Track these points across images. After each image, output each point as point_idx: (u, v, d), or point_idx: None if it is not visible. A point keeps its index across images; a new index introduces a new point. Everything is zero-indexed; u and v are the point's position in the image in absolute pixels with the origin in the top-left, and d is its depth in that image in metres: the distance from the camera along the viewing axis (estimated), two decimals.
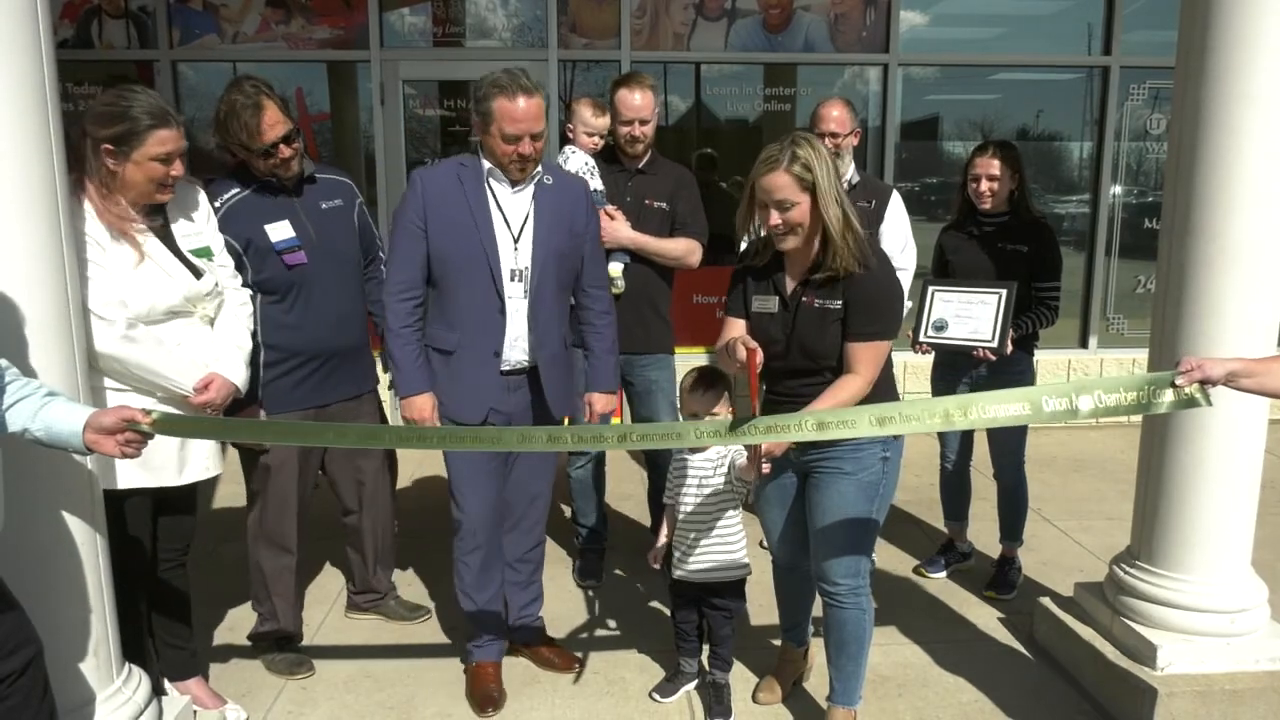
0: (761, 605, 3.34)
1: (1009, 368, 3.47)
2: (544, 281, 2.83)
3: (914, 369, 6.06)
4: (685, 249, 3.61)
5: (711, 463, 2.79)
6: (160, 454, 2.49)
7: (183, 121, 2.51)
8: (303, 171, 3.00)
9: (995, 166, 3.48)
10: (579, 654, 3.25)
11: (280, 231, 2.91)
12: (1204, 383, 1.92)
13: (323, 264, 2.97)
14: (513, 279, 2.80)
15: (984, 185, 3.49)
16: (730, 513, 2.81)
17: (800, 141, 2.37)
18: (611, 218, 3.46)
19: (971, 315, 3.39)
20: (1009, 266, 3.48)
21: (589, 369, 3.04)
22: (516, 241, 2.81)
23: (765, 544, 2.93)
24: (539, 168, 2.85)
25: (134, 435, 1.98)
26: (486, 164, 2.82)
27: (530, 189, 2.84)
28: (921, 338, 3.47)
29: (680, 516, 2.85)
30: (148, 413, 2.01)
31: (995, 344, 3.33)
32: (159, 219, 2.57)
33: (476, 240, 2.77)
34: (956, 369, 3.61)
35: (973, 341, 3.37)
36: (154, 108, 2.43)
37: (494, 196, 2.82)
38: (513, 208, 2.83)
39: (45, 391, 1.94)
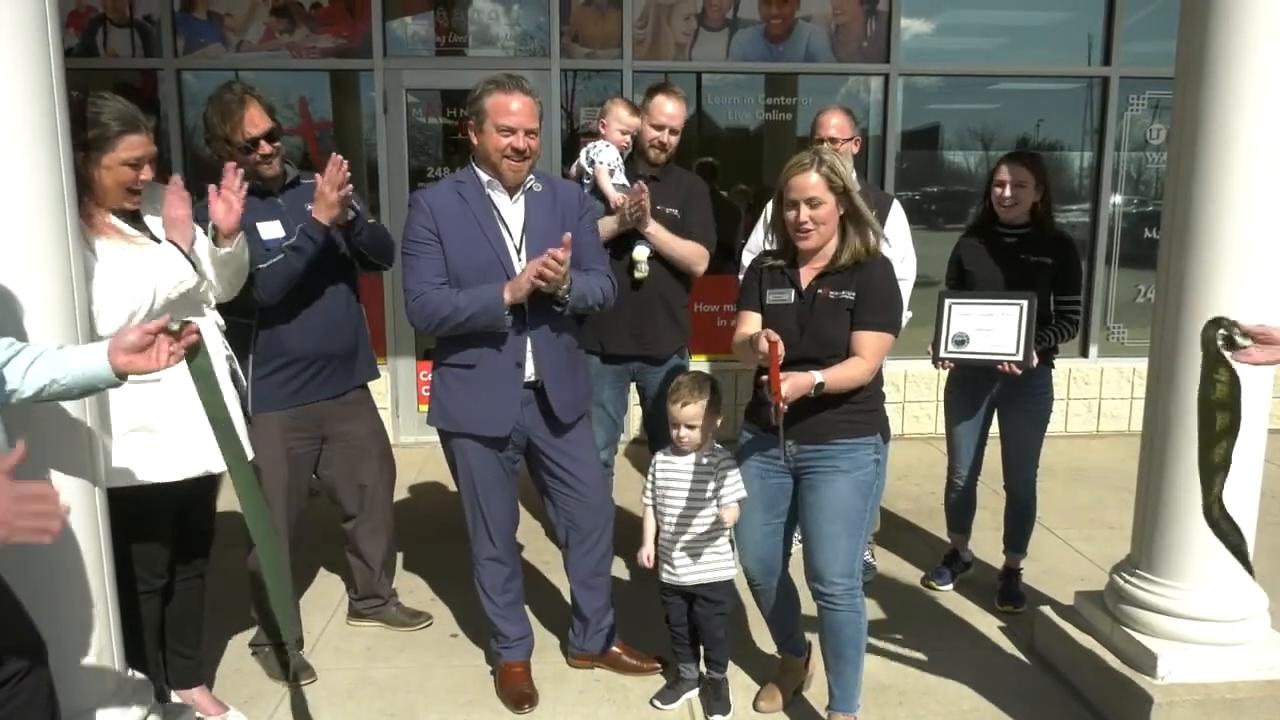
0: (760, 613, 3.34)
1: (1032, 381, 3.44)
2: None
3: (914, 377, 6.09)
4: (695, 252, 3.62)
5: (693, 467, 2.78)
6: (175, 447, 2.49)
7: (151, 128, 2.51)
8: (285, 174, 3.03)
9: (1022, 174, 3.46)
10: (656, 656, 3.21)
11: (271, 231, 2.94)
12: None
13: (309, 266, 2.96)
14: None
15: (1008, 191, 3.46)
16: (717, 520, 2.77)
17: (824, 150, 2.65)
18: (642, 189, 3.40)
19: (992, 328, 3.31)
20: (1031, 278, 3.44)
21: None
22: (519, 251, 2.82)
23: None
24: (531, 176, 2.86)
25: (167, 340, 1.95)
26: (484, 176, 2.83)
27: (523, 198, 2.86)
28: (942, 353, 3.39)
29: (664, 523, 2.85)
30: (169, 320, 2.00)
31: (1020, 357, 3.25)
32: (133, 220, 2.55)
33: (488, 249, 2.78)
34: (977, 384, 3.59)
35: (997, 356, 3.29)
36: (123, 113, 2.41)
37: (495, 208, 2.83)
38: (512, 217, 2.85)
39: (55, 346, 1.95)
